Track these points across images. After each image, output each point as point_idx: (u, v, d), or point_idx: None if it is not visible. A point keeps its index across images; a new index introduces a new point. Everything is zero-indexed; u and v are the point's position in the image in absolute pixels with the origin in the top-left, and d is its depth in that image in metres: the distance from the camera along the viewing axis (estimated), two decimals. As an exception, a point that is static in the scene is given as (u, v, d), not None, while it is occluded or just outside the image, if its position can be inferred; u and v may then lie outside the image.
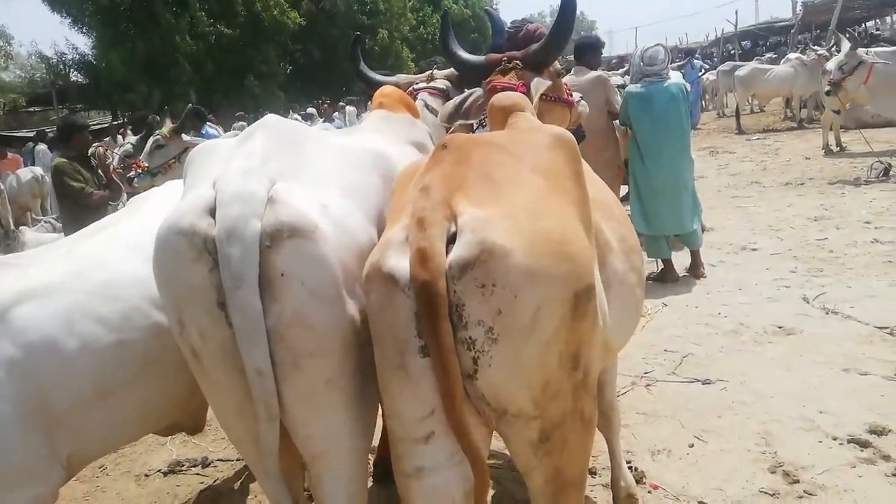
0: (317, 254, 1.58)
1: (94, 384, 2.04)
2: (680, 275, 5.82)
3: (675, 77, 5.76)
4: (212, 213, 1.57)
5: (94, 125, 22.55)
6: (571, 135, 1.81)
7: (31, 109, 22.67)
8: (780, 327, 4.51)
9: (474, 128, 2.76)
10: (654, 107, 5.47)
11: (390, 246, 1.49)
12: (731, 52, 32.19)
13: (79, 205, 4.93)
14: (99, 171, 5.28)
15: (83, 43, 22.62)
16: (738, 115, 15.83)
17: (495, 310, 1.38)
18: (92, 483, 3.61)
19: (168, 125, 5.79)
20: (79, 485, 3.59)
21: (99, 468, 3.74)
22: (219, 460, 3.72)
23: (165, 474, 3.61)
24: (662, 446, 3.29)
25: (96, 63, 21.41)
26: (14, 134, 19.29)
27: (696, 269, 5.82)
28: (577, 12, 2.95)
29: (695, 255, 5.86)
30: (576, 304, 1.45)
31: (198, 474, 3.61)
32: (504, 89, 2.67)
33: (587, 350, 1.54)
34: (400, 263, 1.43)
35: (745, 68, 16.29)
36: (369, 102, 2.99)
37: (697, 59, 20.16)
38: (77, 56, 22.36)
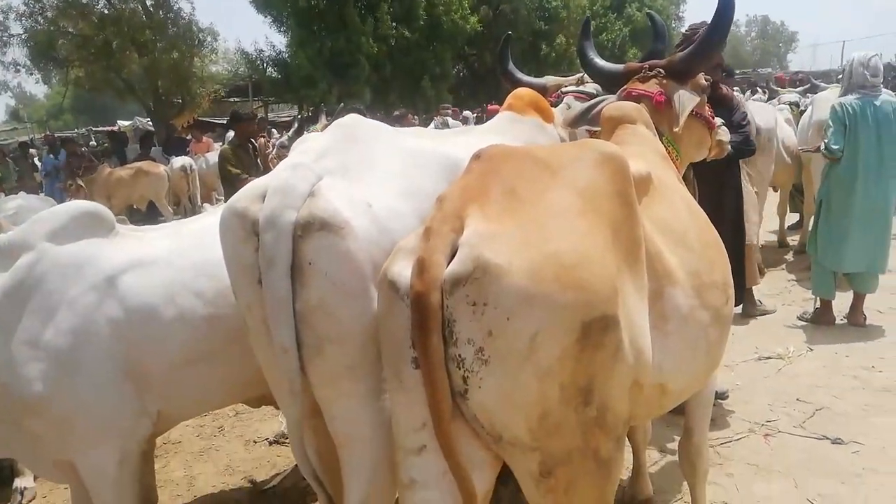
0: (342, 248, 1.65)
1: (186, 351, 2.25)
2: (837, 320, 5.19)
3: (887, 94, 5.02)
4: (265, 199, 1.71)
5: (284, 117, 24.97)
6: (621, 154, 1.67)
7: (231, 99, 25.38)
8: (945, 392, 3.88)
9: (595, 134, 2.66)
10: (869, 123, 4.79)
11: (399, 253, 1.50)
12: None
13: (235, 188, 5.42)
14: (258, 159, 5.85)
15: (279, 41, 24.95)
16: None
17: (486, 330, 1.32)
18: (209, 441, 3.98)
19: (322, 122, 6.25)
20: (198, 440, 3.98)
21: (218, 429, 4.12)
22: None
23: (270, 443, 3.88)
24: (767, 504, 2.97)
25: (289, 60, 23.46)
26: (215, 120, 21.89)
27: (856, 316, 5.14)
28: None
29: (859, 301, 5.17)
30: (585, 335, 1.35)
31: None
32: (639, 97, 2.55)
33: (604, 386, 1.42)
34: (403, 271, 1.42)
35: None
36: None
37: None
38: (273, 53, 24.68)
